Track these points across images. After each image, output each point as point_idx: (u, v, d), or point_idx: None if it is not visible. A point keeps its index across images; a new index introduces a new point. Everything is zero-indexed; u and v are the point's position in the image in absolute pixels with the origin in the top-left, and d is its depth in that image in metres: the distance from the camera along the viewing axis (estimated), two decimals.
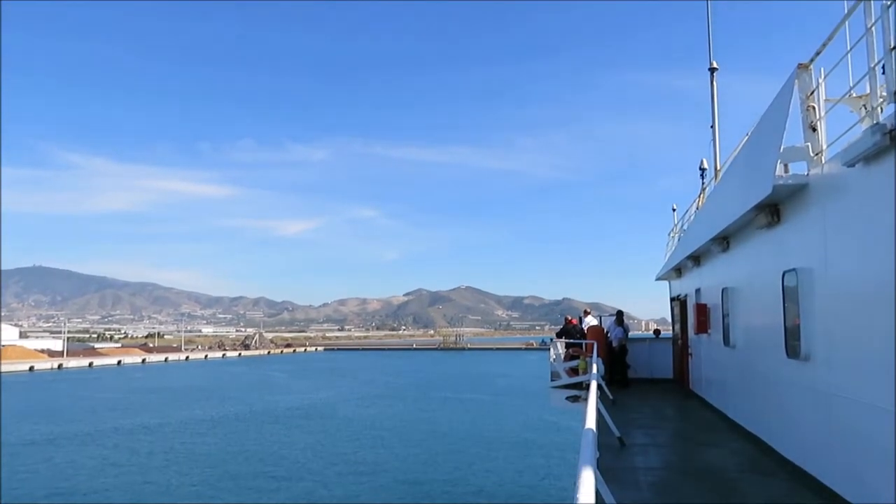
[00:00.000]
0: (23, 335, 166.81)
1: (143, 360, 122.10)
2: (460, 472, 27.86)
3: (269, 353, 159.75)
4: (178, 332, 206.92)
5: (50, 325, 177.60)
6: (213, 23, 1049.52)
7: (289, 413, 47.85)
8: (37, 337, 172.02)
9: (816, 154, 7.40)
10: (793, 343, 8.01)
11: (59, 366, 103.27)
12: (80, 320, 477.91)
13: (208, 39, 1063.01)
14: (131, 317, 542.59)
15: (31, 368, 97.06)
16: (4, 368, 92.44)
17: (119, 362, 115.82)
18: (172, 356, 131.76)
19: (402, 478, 26.90)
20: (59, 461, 30.61)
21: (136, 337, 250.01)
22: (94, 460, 30.90)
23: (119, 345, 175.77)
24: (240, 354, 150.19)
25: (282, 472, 28.29)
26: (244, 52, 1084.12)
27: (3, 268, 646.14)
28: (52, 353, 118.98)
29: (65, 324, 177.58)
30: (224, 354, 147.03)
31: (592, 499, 2.61)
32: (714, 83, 18.12)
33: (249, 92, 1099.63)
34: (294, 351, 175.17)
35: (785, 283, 8.21)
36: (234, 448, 33.72)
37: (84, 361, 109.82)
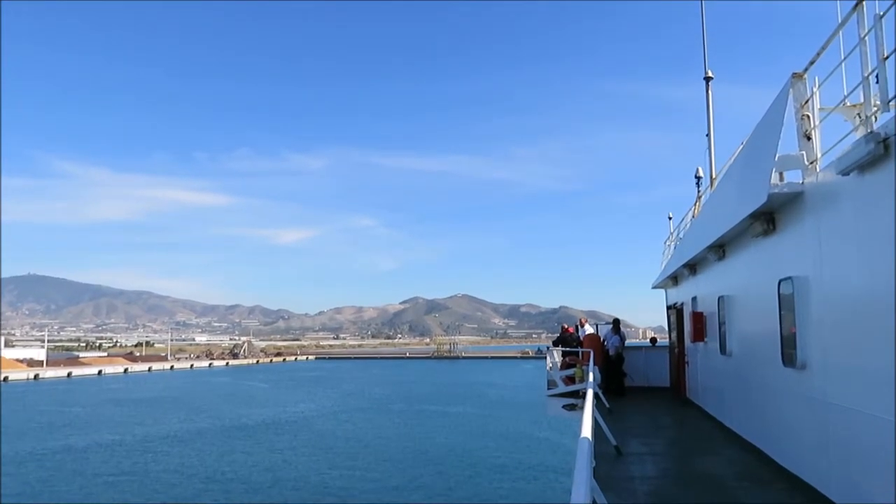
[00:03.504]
0: (8, 344, 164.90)
1: (126, 370, 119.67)
2: (438, 498, 25.44)
3: (257, 362, 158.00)
4: (171, 340, 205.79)
5: (43, 333, 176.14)
6: (209, 32, 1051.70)
7: (259, 428, 45.47)
8: (23, 346, 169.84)
9: (811, 163, 7.43)
10: (789, 351, 8.01)
11: (36, 376, 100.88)
12: (73, 329, 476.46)
13: (204, 48, 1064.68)
14: (126, 325, 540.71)
15: (6, 379, 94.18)
16: None
17: (100, 372, 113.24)
18: (157, 365, 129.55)
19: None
20: None
21: (126, 346, 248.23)
22: (24, 483, 28.02)
23: (105, 354, 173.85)
24: (227, 364, 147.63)
25: (232, 492, 26.25)
26: (240, 61, 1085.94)
27: None
28: (32, 363, 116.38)
29: (47, 333, 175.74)
30: (211, 364, 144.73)
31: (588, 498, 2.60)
32: (709, 92, 18.19)
33: (246, 101, 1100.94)
34: (284, 360, 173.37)
35: (780, 292, 8.22)
36: (188, 468, 31.28)
37: (63, 372, 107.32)
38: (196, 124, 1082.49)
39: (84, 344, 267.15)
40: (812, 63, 7.31)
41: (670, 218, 23.78)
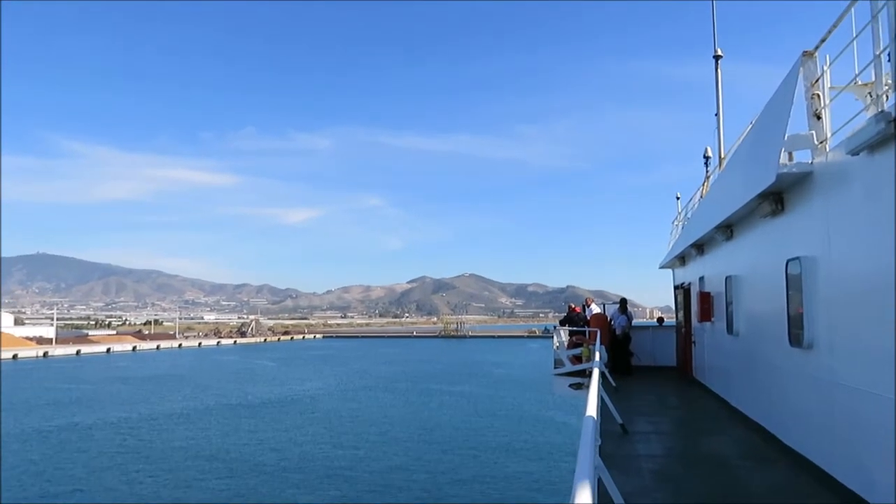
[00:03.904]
0: (18, 322, 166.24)
1: (134, 348, 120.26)
2: (442, 476, 24.99)
3: (265, 340, 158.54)
4: (180, 319, 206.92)
5: (53, 312, 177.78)
6: (215, 11, 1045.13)
7: (265, 406, 45.34)
8: (33, 324, 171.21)
9: (821, 142, 7.38)
10: (796, 331, 8.01)
11: (45, 354, 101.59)
12: (83, 307, 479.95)
13: (209, 28, 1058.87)
14: (135, 304, 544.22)
15: (15, 356, 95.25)
16: None
17: (108, 350, 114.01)
18: (165, 343, 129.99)
19: (372, 484, 24.05)
20: None
21: (135, 324, 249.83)
22: (29, 462, 28.02)
23: (114, 332, 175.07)
24: (235, 342, 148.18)
25: (235, 471, 26.10)
26: (245, 40, 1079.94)
27: (6, 255, 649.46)
28: (41, 341, 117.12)
29: (55, 311, 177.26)
30: (219, 342, 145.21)
31: (590, 489, 2.62)
32: (719, 71, 18.04)
33: (251, 80, 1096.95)
34: (291, 338, 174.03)
35: (788, 272, 8.20)
36: (191, 445, 31.36)
37: (72, 349, 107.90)
38: (202, 104, 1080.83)
39: (93, 322, 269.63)
40: (823, 41, 7.23)
41: (678, 198, 23.71)
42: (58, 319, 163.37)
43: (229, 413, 41.87)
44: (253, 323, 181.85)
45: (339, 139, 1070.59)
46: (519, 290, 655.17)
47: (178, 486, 23.77)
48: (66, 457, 28.88)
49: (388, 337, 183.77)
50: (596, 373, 7.90)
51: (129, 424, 37.46)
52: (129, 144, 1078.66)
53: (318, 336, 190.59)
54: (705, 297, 14.93)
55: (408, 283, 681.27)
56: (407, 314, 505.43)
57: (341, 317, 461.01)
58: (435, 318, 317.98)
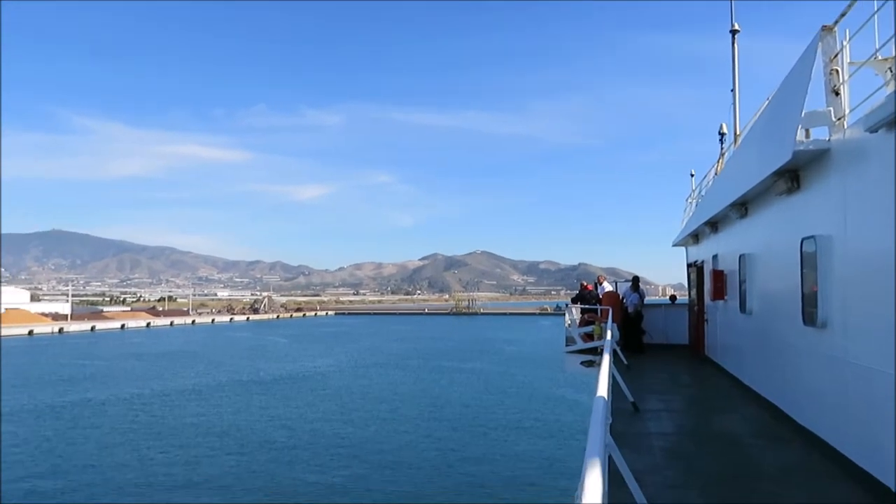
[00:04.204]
0: (34, 298, 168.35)
1: (148, 325, 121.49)
2: (452, 454, 24.81)
3: (277, 317, 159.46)
4: (194, 295, 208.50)
5: (69, 288, 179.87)
6: None
7: (276, 382, 45.30)
8: (49, 300, 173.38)
9: (839, 119, 7.26)
10: (810, 310, 7.96)
11: (60, 330, 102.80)
12: (99, 284, 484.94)
13: (220, 5, 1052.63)
14: (150, 280, 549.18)
15: (31, 332, 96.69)
16: (4, 332, 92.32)
17: (122, 326, 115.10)
18: (178, 320, 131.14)
19: (381, 461, 23.94)
20: (3, 437, 27.85)
21: (149, 300, 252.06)
22: (43, 436, 28.18)
23: (128, 308, 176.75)
24: (248, 318, 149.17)
25: (245, 447, 26.09)
26: (256, 15, 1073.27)
27: (21, 232, 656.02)
28: (56, 317, 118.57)
29: (71, 288, 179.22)
30: (232, 318, 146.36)
31: (600, 469, 2.62)
32: (735, 46, 17.75)
33: (262, 57, 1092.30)
34: (304, 315, 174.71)
35: (803, 251, 8.13)
36: (202, 421, 31.42)
37: (86, 325, 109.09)
38: (213, 80, 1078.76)
39: (108, 298, 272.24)
40: (843, 15, 7.09)
41: (692, 175, 23.52)
42: (74, 296, 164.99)
43: (241, 389, 42.07)
44: (265, 300, 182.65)
45: (350, 115, 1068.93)
46: (531, 268, 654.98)
47: (189, 462, 23.94)
48: (78, 432, 29.14)
49: (400, 314, 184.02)
50: (607, 351, 7.89)
51: (141, 400, 37.76)
52: (140, 120, 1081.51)
53: (330, 313, 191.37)
54: (718, 276, 14.86)
55: (419, 260, 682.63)
56: (419, 291, 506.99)
57: (353, 294, 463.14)
58: (447, 296, 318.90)
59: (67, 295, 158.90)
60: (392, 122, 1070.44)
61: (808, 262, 7.96)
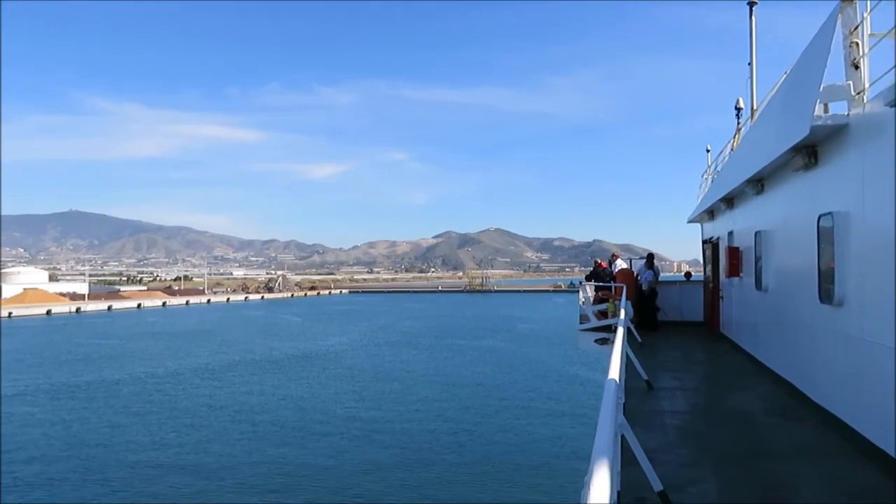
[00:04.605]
0: (52, 278, 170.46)
1: (164, 304, 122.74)
2: (464, 434, 24.82)
3: (292, 295, 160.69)
4: (209, 274, 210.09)
5: (87, 268, 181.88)
6: None
7: (289, 361, 45.73)
8: (68, 280, 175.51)
9: (858, 93, 7.11)
10: (826, 287, 7.88)
11: (78, 309, 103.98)
12: (116, 264, 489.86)
13: None
14: (166, 260, 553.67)
15: (49, 312, 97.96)
16: (23, 312, 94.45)
17: (139, 305, 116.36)
18: (194, 299, 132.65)
19: (392, 441, 23.86)
20: (18, 416, 28.42)
21: (165, 280, 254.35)
22: (58, 416, 28.56)
23: (145, 288, 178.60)
24: (262, 297, 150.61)
25: (256, 427, 26.23)
26: None
27: (39, 213, 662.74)
28: (74, 297, 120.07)
29: (88, 268, 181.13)
30: (247, 297, 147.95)
31: (610, 453, 2.61)
32: (753, 18, 17.40)
33: (275, 35, 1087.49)
34: (318, 294, 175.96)
35: (820, 227, 8.03)
36: (215, 400, 31.80)
37: (103, 305, 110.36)
38: (227, 59, 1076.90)
39: (126, 278, 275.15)
40: None
41: (708, 150, 23.27)
42: (91, 276, 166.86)
43: (254, 368, 42.43)
44: (280, 279, 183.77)
45: (362, 93, 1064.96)
46: (545, 245, 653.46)
47: (200, 441, 24.21)
48: (92, 412, 29.53)
49: (414, 292, 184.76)
50: (620, 330, 7.87)
51: (154, 380, 38.15)
52: (154, 100, 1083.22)
53: (344, 291, 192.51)
54: (734, 252, 14.75)
55: (433, 238, 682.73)
56: (433, 269, 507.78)
57: (367, 272, 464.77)
58: (460, 273, 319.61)
59: (85, 275, 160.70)
60: (405, 99, 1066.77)
61: (825, 239, 7.86)
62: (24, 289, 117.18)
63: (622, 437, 4.99)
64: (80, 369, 42.09)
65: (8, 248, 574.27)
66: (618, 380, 4.46)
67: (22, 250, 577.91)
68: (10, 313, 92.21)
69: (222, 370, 41.68)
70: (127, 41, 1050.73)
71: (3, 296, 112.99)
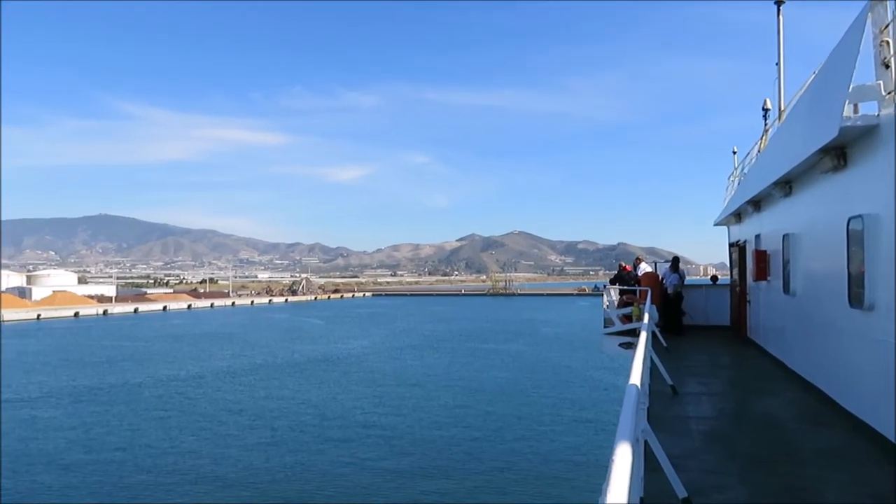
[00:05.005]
0: (82, 281, 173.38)
1: (189, 306, 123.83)
2: (485, 440, 24.47)
3: (315, 298, 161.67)
4: (235, 277, 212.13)
5: (116, 270, 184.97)
6: None
7: (310, 364, 45.67)
8: (97, 283, 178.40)
9: (889, 93, 6.97)
10: (856, 292, 7.73)
11: (105, 312, 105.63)
12: (144, 266, 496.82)
13: None
14: (193, 263, 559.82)
15: (77, 314, 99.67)
16: (52, 314, 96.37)
17: (164, 308, 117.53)
18: (219, 302, 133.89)
19: (412, 445, 23.72)
20: (42, 420, 28.50)
21: (191, 283, 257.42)
22: (79, 419, 28.60)
23: (171, 290, 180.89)
24: (286, 300, 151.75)
25: (275, 432, 26.08)
26: None
27: (70, 216, 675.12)
28: (102, 299, 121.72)
29: (115, 270, 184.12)
30: (270, 300, 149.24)
31: (629, 461, 2.57)
32: (780, 17, 17.17)
33: (298, 39, 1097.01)
34: (341, 297, 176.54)
35: (850, 230, 7.88)
36: (237, 403, 31.83)
37: (130, 307, 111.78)
38: (251, 63, 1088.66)
39: (153, 281, 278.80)
40: None
41: (735, 152, 22.99)
42: (119, 278, 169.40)
43: (275, 371, 42.44)
44: (303, 281, 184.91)
45: (385, 96, 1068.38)
46: (569, 248, 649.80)
47: (218, 446, 24.15)
48: (113, 415, 29.65)
49: (437, 295, 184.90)
50: (644, 334, 7.78)
51: (176, 382, 38.25)
52: (181, 105, 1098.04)
53: (367, 294, 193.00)
54: (761, 256, 14.55)
55: (457, 241, 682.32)
56: (456, 272, 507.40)
57: (391, 275, 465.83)
58: (484, 276, 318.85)
59: (113, 277, 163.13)
60: (428, 101, 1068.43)
61: (855, 242, 7.72)
62: (54, 291, 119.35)
63: (645, 442, 4.92)
64: (103, 371, 42.52)
65: (39, 251, 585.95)
66: (639, 384, 4.40)
67: (53, 253, 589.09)
68: (38, 315, 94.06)
69: (244, 373, 41.81)
70: (153, 46, 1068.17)
71: (33, 298, 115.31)
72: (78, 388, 36.52)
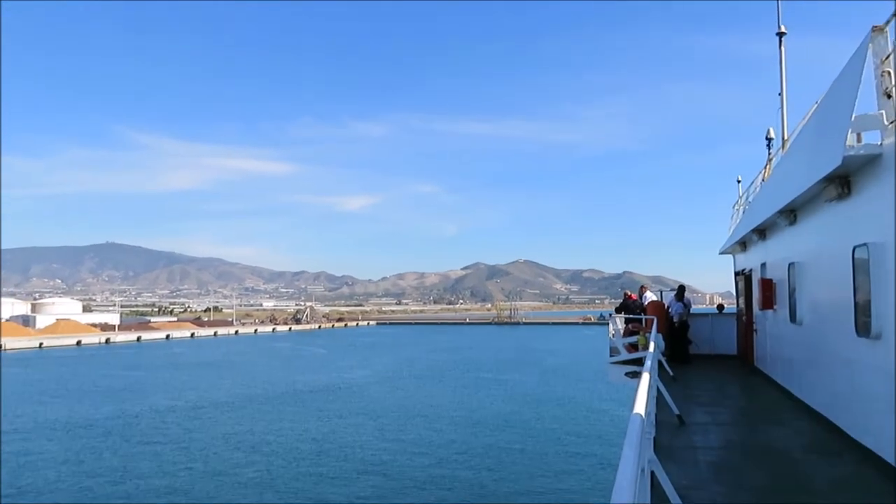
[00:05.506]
0: (86, 309, 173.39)
1: (192, 335, 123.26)
2: (487, 473, 24.11)
3: (319, 327, 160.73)
4: (239, 306, 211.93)
5: (121, 299, 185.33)
6: (271, 2, 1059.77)
7: (311, 394, 45.14)
8: (101, 311, 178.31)
9: (891, 123, 7.01)
10: (863, 320, 7.70)
11: (107, 340, 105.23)
12: (150, 294, 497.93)
13: (266, 20, 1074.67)
14: (198, 291, 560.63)
15: (79, 343, 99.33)
16: (53, 342, 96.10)
17: (167, 336, 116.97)
18: (222, 330, 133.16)
19: (411, 479, 23.24)
20: (33, 453, 27.85)
21: (196, 311, 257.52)
22: (72, 451, 28.19)
23: (175, 319, 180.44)
24: (290, 329, 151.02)
25: (271, 466, 25.61)
26: (300, 30, 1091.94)
27: (77, 245, 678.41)
28: (105, 328, 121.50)
29: (119, 298, 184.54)
30: (274, 329, 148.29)
31: (632, 488, 2.51)
32: (782, 48, 17.37)
33: (307, 69, 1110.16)
34: (345, 325, 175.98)
35: (855, 259, 7.87)
36: (231, 435, 31.26)
37: (133, 336, 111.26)
38: (261, 94, 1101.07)
39: (157, 309, 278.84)
40: (894, 15, 6.85)
41: (739, 181, 23.03)
42: (125, 307, 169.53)
43: (275, 401, 41.98)
44: (308, 310, 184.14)
45: (394, 126, 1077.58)
46: (574, 276, 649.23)
47: (212, 480, 23.69)
48: (108, 446, 29.24)
49: (441, 324, 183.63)
50: (649, 363, 7.73)
51: (174, 413, 37.78)
52: (191, 134, 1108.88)
53: (371, 323, 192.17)
54: (767, 284, 14.51)
55: (462, 269, 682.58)
56: (461, 301, 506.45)
57: (396, 303, 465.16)
58: (489, 305, 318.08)
59: (116, 305, 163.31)
60: (436, 132, 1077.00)
61: (861, 271, 7.71)
62: (57, 319, 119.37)
63: (652, 473, 4.87)
64: (100, 401, 42.06)
65: (46, 279, 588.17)
66: (644, 414, 4.38)
67: (59, 281, 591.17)
68: (41, 344, 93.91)
69: (242, 403, 41.32)
70: (163, 76, 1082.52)
71: (37, 326, 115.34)
72: (73, 418, 36.12)
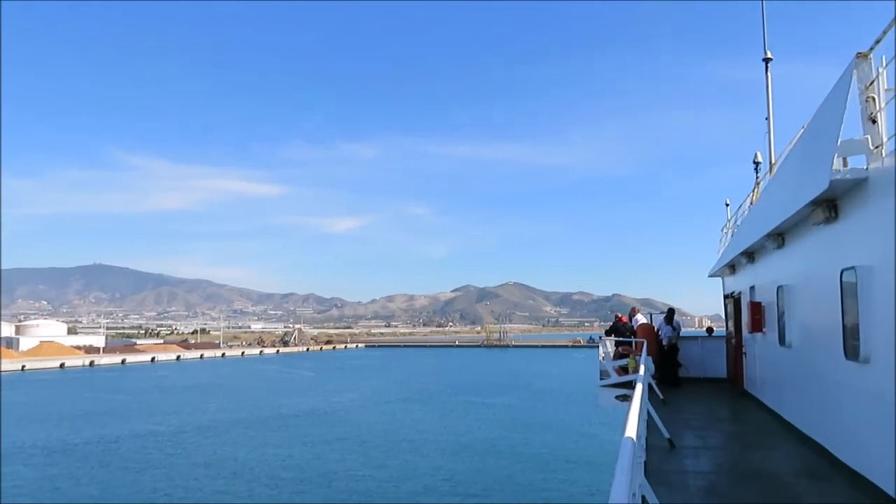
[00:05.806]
0: (71, 331, 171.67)
1: (178, 357, 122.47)
2: (473, 500, 23.96)
3: (307, 349, 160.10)
4: (227, 328, 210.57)
5: (108, 321, 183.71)
6: (260, 23, 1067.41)
7: (296, 418, 44.70)
8: (87, 333, 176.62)
9: (876, 147, 7.10)
10: (851, 344, 7.73)
11: (92, 363, 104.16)
12: (137, 317, 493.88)
13: (255, 40, 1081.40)
14: (186, 313, 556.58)
15: (62, 365, 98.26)
16: (36, 365, 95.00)
17: (153, 359, 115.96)
18: (209, 353, 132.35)
19: None
20: (7, 478, 27.34)
21: (183, 333, 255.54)
22: (48, 478, 27.72)
23: (161, 341, 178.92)
24: (278, 351, 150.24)
25: (253, 490, 25.39)
26: (290, 50, 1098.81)
27: (64, 266, 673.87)
28: (90, 350, 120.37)
29: (104, 320, 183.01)
30: (262, 351, 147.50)
31: None
32: (768, 74, 17.62)
33: (298, 92, 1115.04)
34: (334, 348, 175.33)
35: (843, 282, 7.92)
36: (216, 461, 30.70)
37: (117, 359, 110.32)
38: (250, 116, 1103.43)
39: (144, 331, 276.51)
40: (878, 42, 6.98)
41: (727, 205, 23.20)
42: (111, 329, 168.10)
43: (259, 426, 41.48)
44: (296, 332, 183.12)
45: (385, 148, 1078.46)
46: (564, 299, 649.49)
47: None
48: (85, 472, 28.70)
49: (430, 346, 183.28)
50: (640, 386, 7.71)
51: (155, 437, 37.21)
52: (180, 156, 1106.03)
53: (360, 345, 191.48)
54: (756, 307, 14.56)
55: (451, 291, 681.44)
56: (450, 323, 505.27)
57: (385, 326, 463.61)
58: (478, 327, 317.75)
59: (102, 327, 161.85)
60: (426, 154, 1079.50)
61: (849, 294, 7.75)
62: (41, 342, 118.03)
63: (643, 498, 4.83)
64: (81, 426, 41.35)
65: (32, 301, 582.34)
66: (635, 438, 4.35)
67: (45, 303, 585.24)
68: (23, 366, 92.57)
69: (226, 427, 40.74)
70: (153, 98, 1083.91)
71: (20, 348, 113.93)
72: (51, 443, 35.46)
